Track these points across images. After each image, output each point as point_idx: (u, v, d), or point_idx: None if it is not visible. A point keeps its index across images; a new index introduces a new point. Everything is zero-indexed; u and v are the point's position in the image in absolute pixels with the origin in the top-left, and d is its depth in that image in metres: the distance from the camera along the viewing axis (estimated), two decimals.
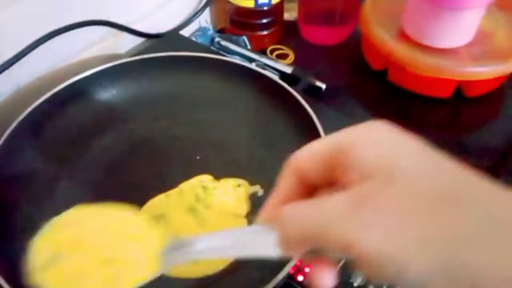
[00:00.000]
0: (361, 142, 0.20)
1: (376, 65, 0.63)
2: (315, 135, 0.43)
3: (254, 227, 0.23)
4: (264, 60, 0.61)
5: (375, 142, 0.20)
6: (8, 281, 0.32)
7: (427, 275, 0.17)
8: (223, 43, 0.66)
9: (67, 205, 0.42)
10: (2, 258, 0.34)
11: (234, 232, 0.25)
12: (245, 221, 0.42)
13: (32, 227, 0.40)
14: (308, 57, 0.68)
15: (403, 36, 0.59)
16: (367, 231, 0.18)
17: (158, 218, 0.43)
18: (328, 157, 0.21)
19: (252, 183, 0.45)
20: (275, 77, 0.48)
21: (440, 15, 0.55)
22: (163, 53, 0.50)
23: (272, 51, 0.68)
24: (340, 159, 0.20)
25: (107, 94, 0.50)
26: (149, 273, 0.26)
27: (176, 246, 0.25)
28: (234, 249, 0.24)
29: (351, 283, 0.38)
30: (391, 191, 0.18)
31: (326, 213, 0.19)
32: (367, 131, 0.21)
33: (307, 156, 0.22)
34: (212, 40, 0.67)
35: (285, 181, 0.23)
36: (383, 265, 0.17)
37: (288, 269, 0.35)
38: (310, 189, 0.22)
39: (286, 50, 0.68)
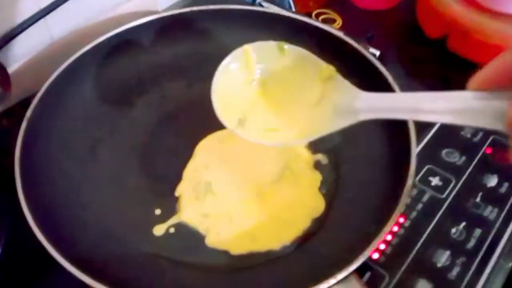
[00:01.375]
0: None
1: (433, 33, 0.58)
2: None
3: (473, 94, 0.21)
4: None
5: None
6: (53, 245, 0.29)
7: None
8: (266, 4, 0.61)
9: (109, 166, 0.39)
10: (46, 222, 0.30)
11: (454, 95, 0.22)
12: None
13: (74, 190, 0.36)
14: (357, 22, 0.62)
15: (467, 0, 0.54)
16: None
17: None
18: None
19: (314, 151, 0.41)
20: (336, 31, 0.43)
21: None
22: (213, 6, 0.45)
23: (317, 15, 0.63)
24: None
25: (150, 50, 0.45)
26: None
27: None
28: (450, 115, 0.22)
29: (435, 263, 0.34)
30: None
31: None
32: None
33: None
34: (254, 1, 0.62)
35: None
36: None
37: (370, 251, 0.30)
38: None
39: (332, 15, 0.63)
